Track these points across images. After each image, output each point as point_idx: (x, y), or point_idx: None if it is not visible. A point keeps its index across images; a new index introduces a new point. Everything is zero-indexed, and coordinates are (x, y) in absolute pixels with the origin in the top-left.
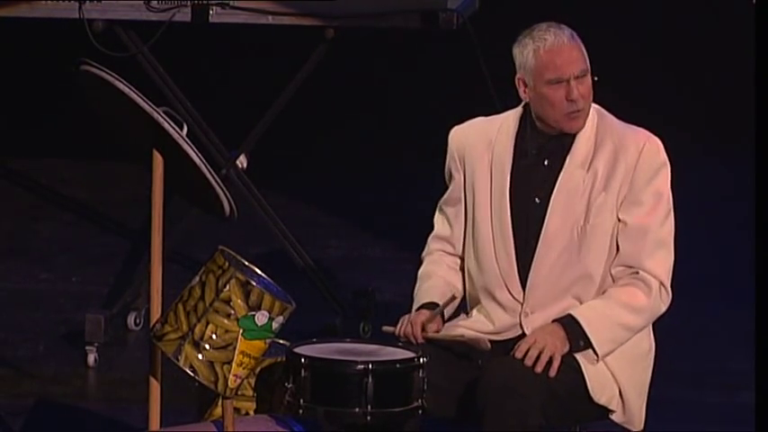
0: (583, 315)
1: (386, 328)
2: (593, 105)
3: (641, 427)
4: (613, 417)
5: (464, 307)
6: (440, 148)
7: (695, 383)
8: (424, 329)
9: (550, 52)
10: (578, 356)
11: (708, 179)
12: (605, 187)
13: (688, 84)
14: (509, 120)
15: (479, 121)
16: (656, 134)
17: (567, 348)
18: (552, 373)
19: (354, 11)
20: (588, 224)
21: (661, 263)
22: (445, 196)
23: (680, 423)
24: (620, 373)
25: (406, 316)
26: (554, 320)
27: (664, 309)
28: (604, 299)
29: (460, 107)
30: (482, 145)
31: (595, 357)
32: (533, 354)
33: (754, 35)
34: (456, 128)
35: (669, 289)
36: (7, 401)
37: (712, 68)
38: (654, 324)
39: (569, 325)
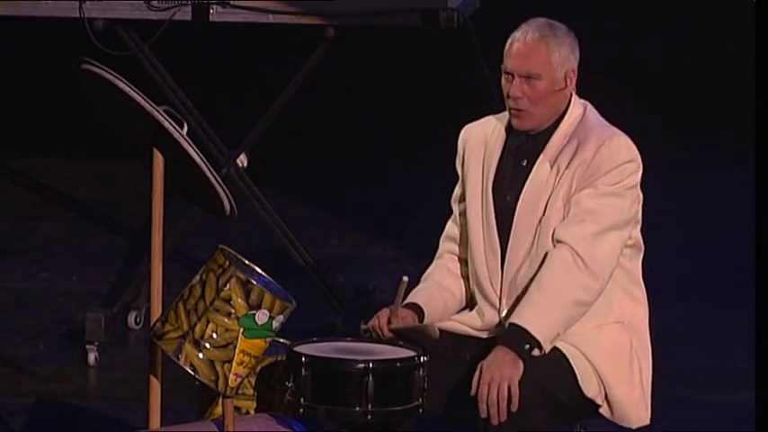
0: (516, 315)
1: (363, 327)
2: (585, 104)
3: (640, 424)
4: (603, 412)
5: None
6: (440, 148)
7: (695, 383)
8: (389, 322)
9: (513, 43)
10: (564, 351)
11: (708, 179)
12: (560, 182)
13: (688, 84)
14: (505, 118)
15: (486, 119)
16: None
17: (520, 368)
18: (514, 406)
19: (355, 10)
20: (545, 220)
21: (578, 234)
22: (454, 194)
23: (680, 422)
24: (601, 367)
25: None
26: (496, 340)
27: (583, 275)
28: (529, 291)
29: (461, 107)
30: (479, 143)
31: (543, 349)
32: (493, 393)
33: (755, 35)
34: (466, 126)
35: (587, 259)
36: (7, 400)
37: (712, 69)
38: (650, 321)
39: (509, 335)
